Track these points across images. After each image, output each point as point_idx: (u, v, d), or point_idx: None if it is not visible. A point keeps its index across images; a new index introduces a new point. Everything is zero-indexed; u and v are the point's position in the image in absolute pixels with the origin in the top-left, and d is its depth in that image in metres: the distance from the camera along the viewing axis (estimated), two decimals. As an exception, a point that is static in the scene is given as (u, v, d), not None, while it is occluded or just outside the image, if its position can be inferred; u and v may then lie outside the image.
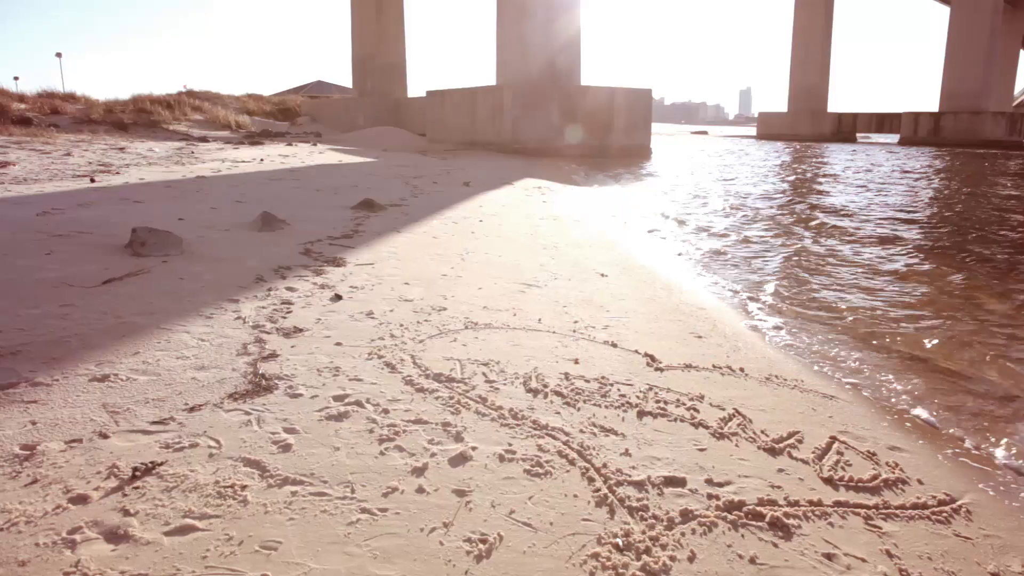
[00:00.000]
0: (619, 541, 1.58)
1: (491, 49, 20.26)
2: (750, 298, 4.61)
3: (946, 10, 35.81)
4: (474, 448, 1.95)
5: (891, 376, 3.18)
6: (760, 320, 4.04)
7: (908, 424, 2.65)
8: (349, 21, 28.92)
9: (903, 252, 6.46)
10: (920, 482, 2.14)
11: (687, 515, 1.74)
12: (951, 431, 2.62)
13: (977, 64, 32.63)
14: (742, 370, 2.97)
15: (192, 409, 2.10)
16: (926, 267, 5.78)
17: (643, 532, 1.63)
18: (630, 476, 1.89)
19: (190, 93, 25.50)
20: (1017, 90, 51.11)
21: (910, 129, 35.24)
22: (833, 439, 2.39)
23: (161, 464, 1.77)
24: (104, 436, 1.91)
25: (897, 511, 1.95)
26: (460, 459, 1.89)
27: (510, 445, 1.99)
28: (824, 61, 42.51)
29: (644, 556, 1.54)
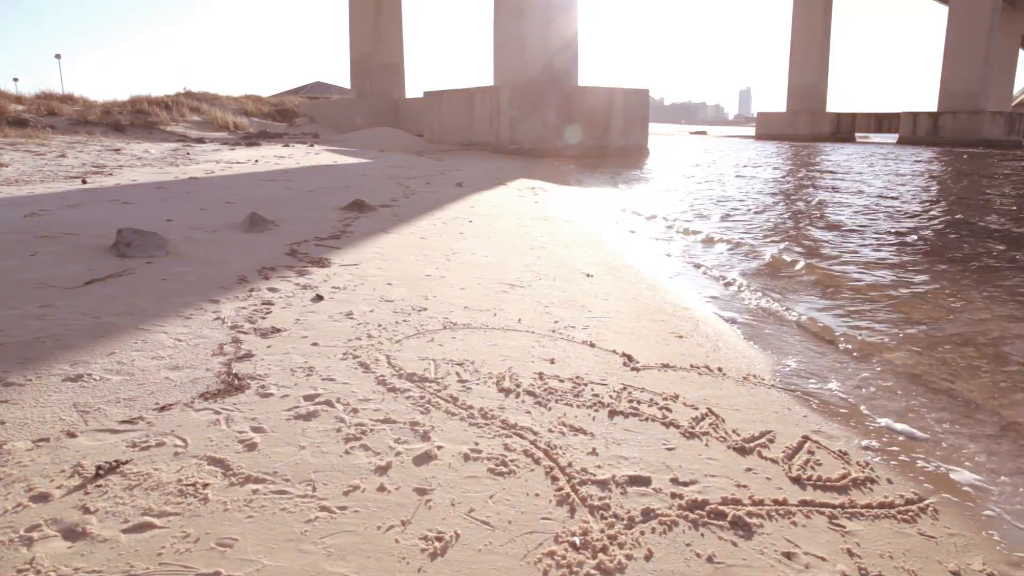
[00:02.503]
0: (576, 540, 1.59)
1: (489, 50, 20.30)
2: (736, 298, 4.61)
3: (945, 10, 35.80)
4: (440, 447, 1.96)
5: (870, 376, 3.18)
6: (744, 320, 4.05)
7: (883, 424, 2.65)
8: (347, 22, 28.97)
9: (896, 252, 6.47)
10: (890, 481, 2.15)
11: (648, 514, 1.75)
12: (925, 431, 2.63)
13: (976, 64, 32.62)
14: (720, 370, 2.98)
15: (162, 409, 2.11)
16: (920, 268, 5.78)
17: (602, 531, 1.64)
18: (595, 475, 1.90)
19: (188, 94, 25.54)
20: (1016, 90, 51.09)
21: (909, 129, 35.24)
22: (805, 438, 2.39)
23: (126, 463, 1.78)
24: (72, 435, 1.92)
25: (863, 510, 1.96)
26: (425, 458, 1.90)
27: (476, 444, 2.00)
28: (823, 61, 42.50)
29: (600, 555, 1.55)
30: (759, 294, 4.75)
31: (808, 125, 41.95)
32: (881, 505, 2.00)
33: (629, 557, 1.56)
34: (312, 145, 17.91)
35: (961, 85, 33.01)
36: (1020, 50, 48.44)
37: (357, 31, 28.42)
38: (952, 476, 2.28)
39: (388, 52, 28.30)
